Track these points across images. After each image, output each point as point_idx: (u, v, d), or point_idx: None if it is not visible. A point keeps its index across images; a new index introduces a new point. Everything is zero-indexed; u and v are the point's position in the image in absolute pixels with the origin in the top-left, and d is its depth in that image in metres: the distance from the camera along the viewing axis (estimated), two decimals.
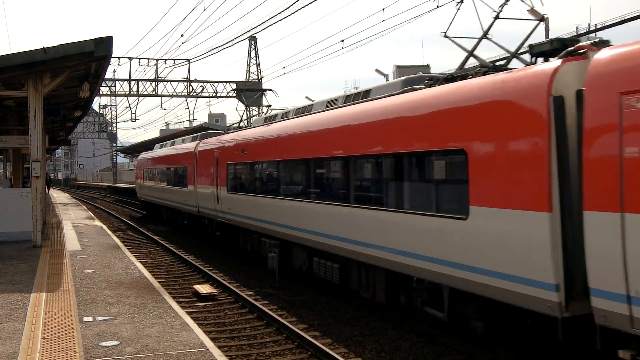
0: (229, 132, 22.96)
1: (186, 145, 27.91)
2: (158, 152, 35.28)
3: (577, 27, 42.70)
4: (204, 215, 24.16)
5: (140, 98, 47.62)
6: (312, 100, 19.04)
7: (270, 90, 24.26)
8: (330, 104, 14.77)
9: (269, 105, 52.11)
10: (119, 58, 43.63)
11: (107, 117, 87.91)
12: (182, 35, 58.74)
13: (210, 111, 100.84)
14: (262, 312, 12.95)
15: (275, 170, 16.38)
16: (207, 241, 25.41)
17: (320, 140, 13.69)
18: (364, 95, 13.31)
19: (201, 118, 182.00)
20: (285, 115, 17.57)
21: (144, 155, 40.43)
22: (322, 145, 13.61)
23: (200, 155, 24.36)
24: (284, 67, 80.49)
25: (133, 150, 79.80)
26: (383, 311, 12.71)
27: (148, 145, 64.21)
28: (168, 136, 52.01)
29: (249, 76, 52.92)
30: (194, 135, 28.90)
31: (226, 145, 20.91)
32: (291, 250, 16.08)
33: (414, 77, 11.99)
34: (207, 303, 14.40)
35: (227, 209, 20.47)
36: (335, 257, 13.42)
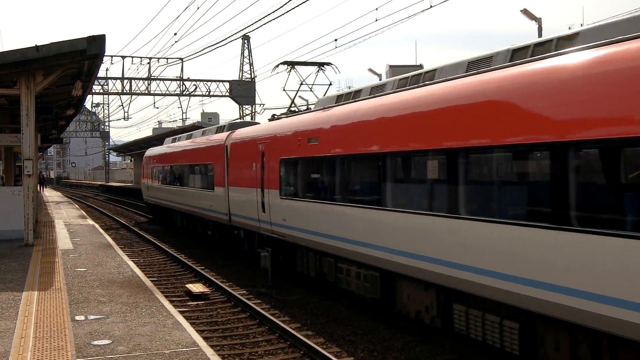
0: (280, 118, 17.33)
1: (212, 138, 22.60)
2: (172, 146, 29.79)
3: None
4: (238, 225, 19.15)
5: (133, 97, 47.72)
6: (305, 99, 18.76)
7: (329, 64, 18.20)
8: (479, 65, 9.60)
9: (262, 104, 52.08)
10: (111, 56, 43.63)
11: (100, 116, 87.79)
12: (175, 34, 58.74)
13: (203, 110, 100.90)
14: (254, 311, 12.95)
15: (376, 167, 11.11)
16: (240, 257, 20.17)
17: (484, 119, 8.44)
18: (563, 43, 8.16)
19: (194, 117, 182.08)
20: (377, 90, 12.47)
21: (153, 151, 34.52)
22: (492, 126, 8.27)
23: (233, 148, 19.44)
24: (277, 66, 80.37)
25: (125, 149, 79.67)
26: (376, 310, 12.73)
27: (140, 144, 64.09)
28: (176, 130, 51.03)
29: (242, 75, 52.86)
30: (219, 125, 24.01)
31: (279, 134, 15.66)
32: (396, 286, 11.20)
33: None
34: (199, 302, 14.38)
35: (279, 220, 15.36)
36: (505, 308, 8.52)
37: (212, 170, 21.40)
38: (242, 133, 19.19)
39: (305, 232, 14.00)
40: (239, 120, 25.51)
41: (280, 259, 16.23)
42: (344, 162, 12.27)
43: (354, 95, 13.39)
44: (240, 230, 19.28)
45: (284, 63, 18.56)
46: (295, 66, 18.44)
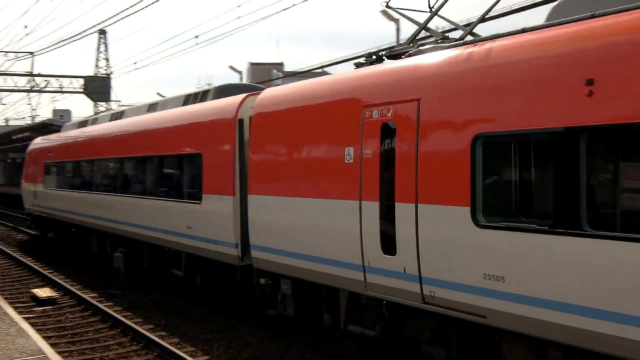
0: (439, 47, 7.91)
1: (195, 110, 13.36)
2: (91, 131, 19.56)
3: None
4: (271, 270, 10.14)
5: None
6: (164, 96, 17.59)
7: None
8: None
9: (119, 101, 50.49)
10: None
11: None
12: (25, 27, 55.63)
13: (55, 107, 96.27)
14: (106, 314, 12.55)
15: None
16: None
17: None
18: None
19: (44, 114, 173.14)
20: None
21: (48, 141, 24.25)
22: None
23: (267, 123, 10.34)
24: (135, 63, 78.45)
25: None
26: (230, 309, 12.73)
27: None
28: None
29: (98, 71, 51.08)
30: (194, 92, 14.54)
31: (459, 82, 7.02)
32: None
33: None
34: (46, 307, 13.75)
35: (461, 277, 6.84)
36: None
37: (200, 165, 12.44)
38: (290, 92, 10.17)
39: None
40: (233, 83, 15.54)
41: None
42: None
43: None
44: (278, 280, 10.12)
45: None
46: None
